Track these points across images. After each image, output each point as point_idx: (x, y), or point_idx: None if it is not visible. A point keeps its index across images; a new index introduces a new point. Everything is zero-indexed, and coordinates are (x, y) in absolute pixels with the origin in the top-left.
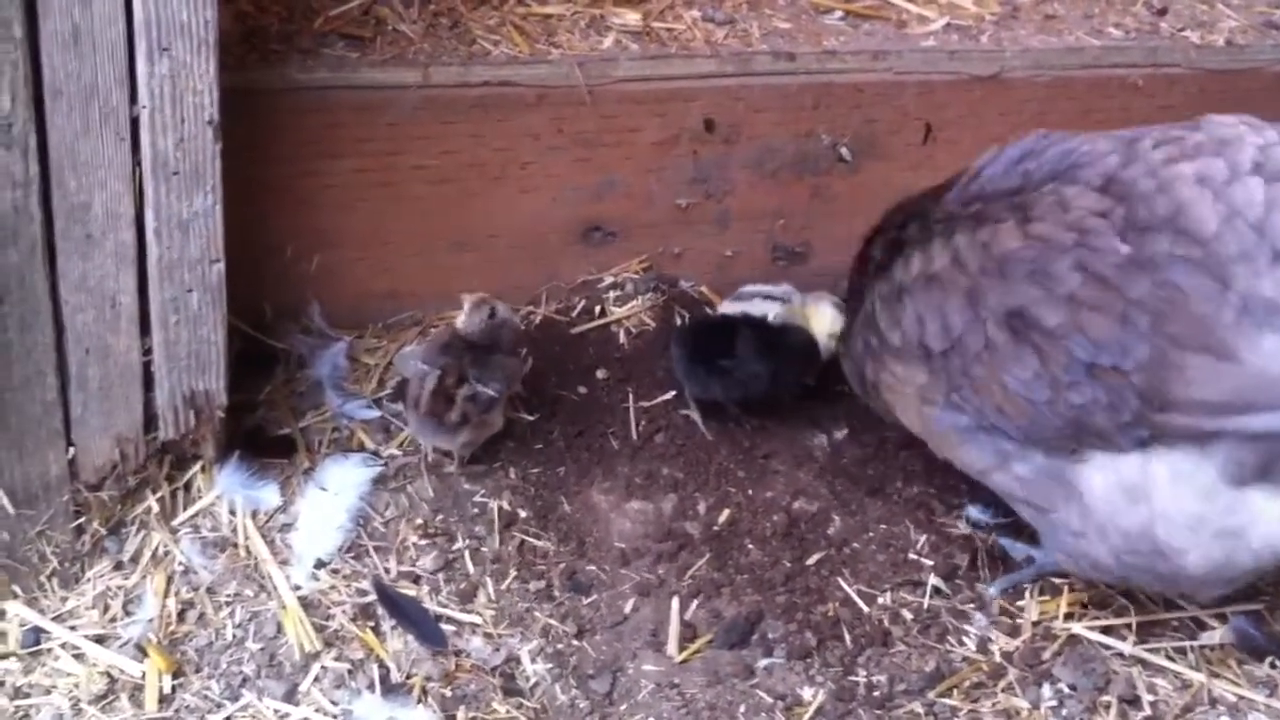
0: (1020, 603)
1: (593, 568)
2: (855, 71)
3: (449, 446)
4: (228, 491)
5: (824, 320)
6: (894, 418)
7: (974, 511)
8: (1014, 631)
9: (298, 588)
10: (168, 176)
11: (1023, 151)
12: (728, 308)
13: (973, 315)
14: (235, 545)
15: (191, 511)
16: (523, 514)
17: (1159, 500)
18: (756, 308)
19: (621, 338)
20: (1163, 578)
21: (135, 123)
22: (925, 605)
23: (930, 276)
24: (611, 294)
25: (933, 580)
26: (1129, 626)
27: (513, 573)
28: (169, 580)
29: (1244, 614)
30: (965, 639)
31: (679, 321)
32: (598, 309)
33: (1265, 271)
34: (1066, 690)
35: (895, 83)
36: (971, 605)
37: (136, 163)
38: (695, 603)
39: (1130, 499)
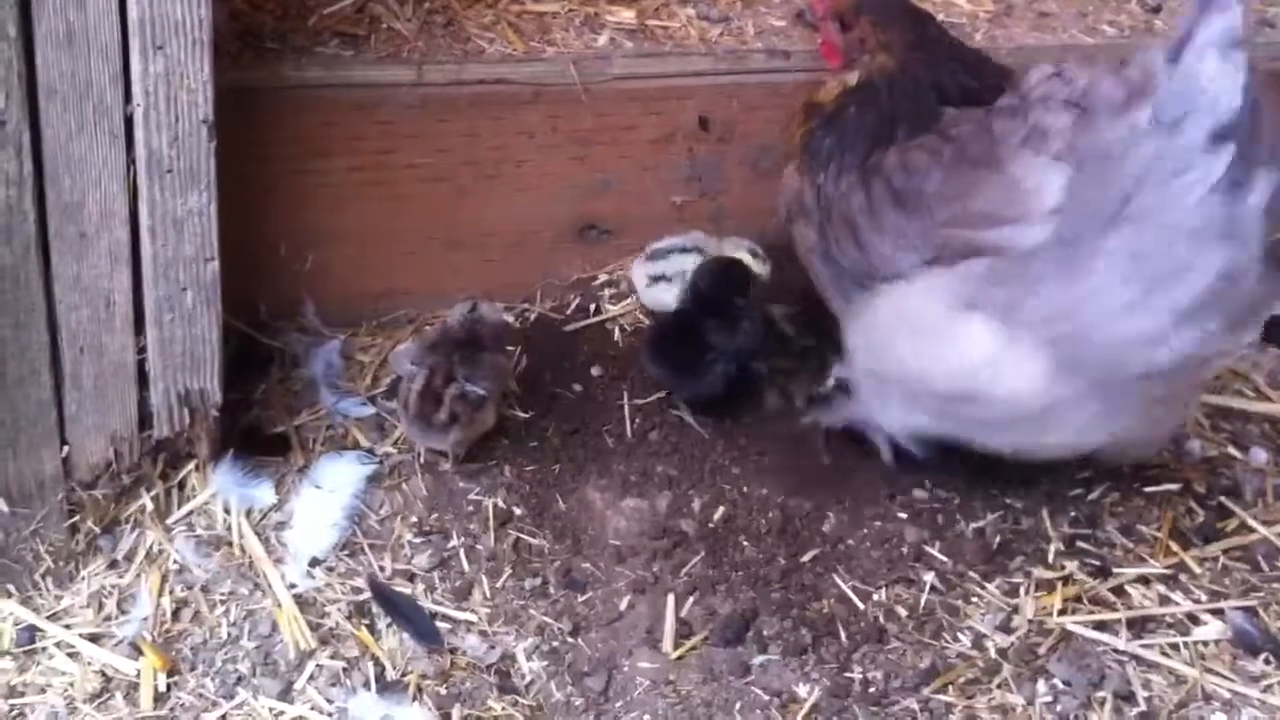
0: (1015, 600)
1: (588, 565)
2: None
3: (441, 446)
4: (222, 490)
5: None
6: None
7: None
8: (1008, 628)
9: (293, 586)
10: (162, 175)
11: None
12: (642, 269)
13: (850, 164)
14: (230, 544)
15: (186, 510)
16: (518, 511)
17: (909, 314)
18: (674, 265)
19: (616, 335)
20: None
21: (129, 121)
22: (921, 602)
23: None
24: (607, 291)
25: (928, 577)
26: (1121, 622)
27: (508, 570)
28: (164, 579)
29: (1240, 609)
30: (961, 635)
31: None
32: (593, 306)
33: (1055, 110)
34: (1061, 686)
35: None
36: (972, 601)
37: (131, 161)
38: (691, 600)
39: (892, 319)
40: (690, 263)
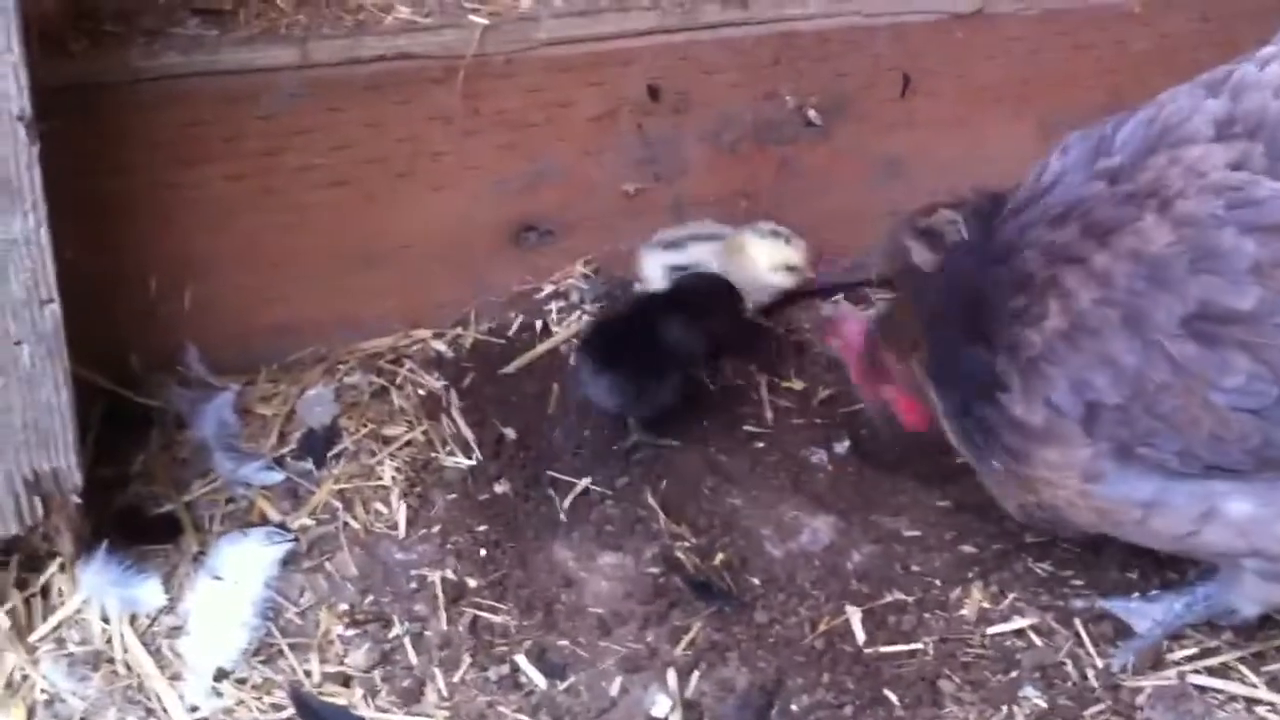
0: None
1: (565, 642)
2: (819, 17)
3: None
4: (97, 592)
5: (764, 254)
6: (1071, 528)
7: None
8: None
9: (194, 709)
10: None
11: (1088, 149)
12: (657, 259)
13: (1142, 343)
14: (111, 660)
15: (53, 622)
16: (472, 583)
17: None
18: (693, 254)
19: (571, 357)
20: None
21: None
22: (978, 652)
23: (1067, 331)
24: (554, 305)
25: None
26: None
27: (467, 659)
28: (30, 712)
29: None
30: (1029, 688)
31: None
32: (538, 325)
33: None
34: None
35: (865, 28)
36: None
37: None
38: (697, 674)
39: None
40: (709, 252)
